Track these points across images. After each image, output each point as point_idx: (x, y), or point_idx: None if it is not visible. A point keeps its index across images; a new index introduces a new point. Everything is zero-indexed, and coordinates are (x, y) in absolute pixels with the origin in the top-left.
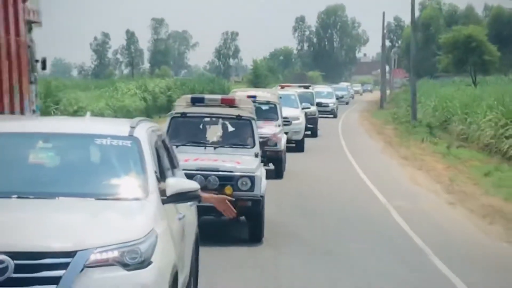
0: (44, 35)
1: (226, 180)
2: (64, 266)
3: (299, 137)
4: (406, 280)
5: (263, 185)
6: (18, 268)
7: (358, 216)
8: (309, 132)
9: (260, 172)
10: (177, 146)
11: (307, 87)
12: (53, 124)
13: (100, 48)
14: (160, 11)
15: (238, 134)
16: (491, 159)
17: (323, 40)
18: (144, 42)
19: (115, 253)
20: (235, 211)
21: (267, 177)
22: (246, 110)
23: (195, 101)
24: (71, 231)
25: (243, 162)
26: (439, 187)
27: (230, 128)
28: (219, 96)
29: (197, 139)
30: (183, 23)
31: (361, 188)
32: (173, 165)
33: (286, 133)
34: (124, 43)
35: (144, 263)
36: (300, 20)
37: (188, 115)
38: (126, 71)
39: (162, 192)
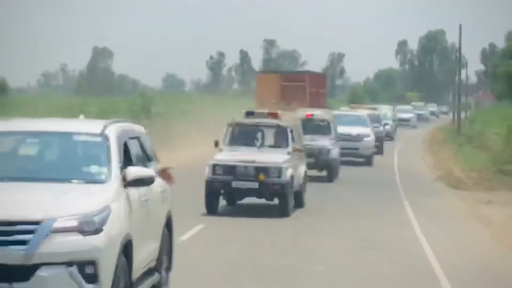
0: (158, 53)
1: (260, 170)
2: (33, 231)
3: (369, 152)
4: None
5: (289, 174)
6: None
7: None
8: (376, 149)
9: (288, 165)
10: (231, 146)
11: (374, 109)
12: (41, 124)
13: (215, 66)
14: (272, 31)
15: (276, 138)
16: None
17: (424, 63)
18: (256, 61)
19: (74, 223)
20: (173, 179)
21: (321, 181)
22: (285, 120)
23: (248, 114)
24: (41, 205)
25: (275, 157)
26: None
27: (271, 134)
28: (266, 111)
29: (247, 141)
30: (292, 42)
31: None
32: (148, 158)
33: (357, 148)
34: (237, 62)
35: (97, 231)
36: (403, 43)
37: (241, 124)
38: (237, 87)
39: (124, 178)
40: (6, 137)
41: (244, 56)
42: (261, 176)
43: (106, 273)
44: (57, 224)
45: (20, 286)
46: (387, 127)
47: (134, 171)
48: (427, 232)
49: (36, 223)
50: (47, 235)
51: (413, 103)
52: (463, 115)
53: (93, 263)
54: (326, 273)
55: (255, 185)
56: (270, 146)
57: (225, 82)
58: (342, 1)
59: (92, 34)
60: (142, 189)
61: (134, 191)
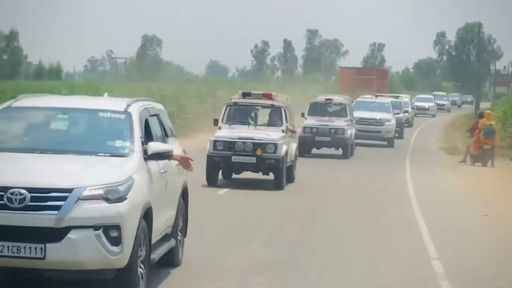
0: (205, 40)
1: (257, 146)
2: (64, 198)
3: (390, 135)
4: None
5: (284, 150)
6: (33, 199)
7: None
8: (396, 134)
9: (283, 141)
10: (229, 124)
11: (396, 97)
12: (71, 101)
13: (260, 54)
14: (315, 20)
15: (271, 117)
16: None
17: (461, 53)
18: (299, 50)
19: (101, 191)
20: (192, 167)
21: (337, 158)
22: (279, 101)
23: (245, 95)
24: (71, 175)
25: (271, 134)
26: None
27: (266, 113)
28: (261, 92)
29: (243, 120)
30: (335, 32)
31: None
32: (167, 134)
33: (379, 132)
34: (281, 51)
35: (121, 199)
36: (441, 35)
37: (238, 104)
38: (280, 75)
39: (145, 152)
40: (40, 112)
41: (287, 45)
42: (258, 151)
43: (128, 236)
44: (86, 193)
45: (52, 246)
46: (406, 114)
47: (154, 146)
48: (413, 171)
49: (68, 191)
50: (77, 202)
51: (434, 93)
52: (488, 104)
53: (117, 227)
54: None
55: (253, 159)
56: (266, 125)
57: (268, 70)
58: None
59: (140, 22)
60: (161, 162)
61: (154, 164)
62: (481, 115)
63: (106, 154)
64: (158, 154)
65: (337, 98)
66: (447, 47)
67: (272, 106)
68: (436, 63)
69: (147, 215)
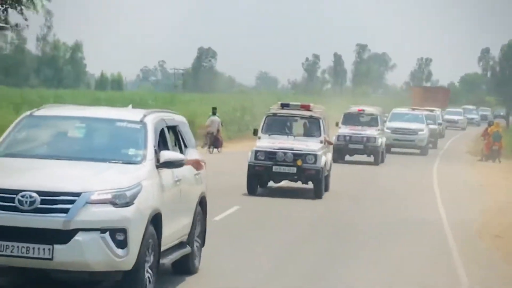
0: (256, 52)
1: (298, 156)
2: (73, 202)
3: (423, 144)
4: None
5: (323, 161)
6: (43, 201)
7: None
8: (430, 145)
9: (322, 152)
10: (269, 134)
11: (431, 110)
12: (90, 111)
13: (310, 67)
14: (364, 35)
15: (310, 128)
16: None
17: (505, 69)
18: (349, 64)
19: (108, 196)
20: (203, 165)
21: (367, 164)
22: (317, 112)
23: (284, 106)
24: (80, 180)
25: (310, 145)
26: None
27: (305, 124)
28: (299, 103)
29: (282, 130)
30: (383, 46)
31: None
32: (185, 145)
33: (413, 140)
34: (331, 64)
35: (128, 204)
36: (485, 51)
37: (277, 114)
38: (329, 88)
39: (158, 160)
40: (59, 121)
41: (337, 59)
42: (299, 162)
43: (135, 240)
44: (94, 197)
45: (59, 247)
46: (439, 126)
47: (166, 155)
48: (439, 168)
49: (76, 194)
50: (84, 205)
51: (463, 106)
52: None
53: (123, 230)
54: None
55: (293, 169)
56: (304, 135)
57: (318, 83)
58: (429, 10)
59: (193, 33)
60: (175, 171)
61: (167, 172)
62: (490, 124)
63: (118, 161)
64: (169, 162)
65: (369, 109)
66: (491, 62)
67: (310, 117)
68: (481, 78)
69: (156, 221)
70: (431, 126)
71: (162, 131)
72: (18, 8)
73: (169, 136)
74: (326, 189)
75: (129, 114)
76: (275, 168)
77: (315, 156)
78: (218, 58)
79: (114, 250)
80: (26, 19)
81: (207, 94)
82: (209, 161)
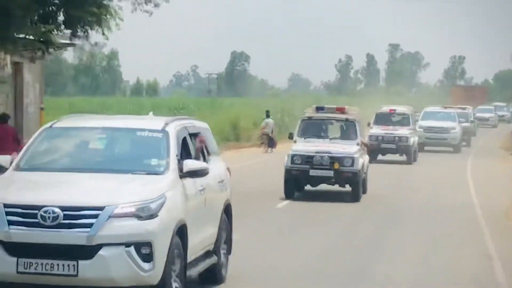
0: (288, 54)
1: (335, 159)
2: (96, 216)
3: (456, 142)
4: None
5: (360, 163)
6: (65, 217)
7: None
8: (464, 143)
9: (359, 155)
10: (304, 138)
11: (463, 108)
12: (110, 121)
13: (343, 68)
14: (396, 35)
15: (346, 131)
16: None
17: None
18: (381, 63)
19: (132, 209)
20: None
21: (400, 163)
22: (352, 115)
23: (319, 109)
24: (103, 193)
25: (347, 148)
26: None
27: (339, 127)
28: (334, 106)
29: (318, 133)
30: (415, 45)
31: None
32: (208, 152)
33: (445, 139)
34: (364, 65)
35: (153, 216)
36: None
37: (313, 118)
38: (362, 88)
39: (181, 170)
40: (80, 132)
41: (370, 59)
42: (336, 165)
43: (160, 253)
44: (118, 210)
45: (84, 263)
46: (472, 124)
47: (190, 164)
48: (472, 163)
49: (99, 208)
50: (108, 219)
51: (494, 103)
52: None
53: (148, 244)
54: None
55: (330, 173)
56: (340, 138)
57: (351, 83)
58: (461, 8)
59: (225, 38)
60: (199, 180)
61: (190, 181)
62: None
63: (141, 172)
64: (193, 172)
65: (400, 108)
66: None
67: (346, 120)
68: None
69: (181, 232)
70: (464, 124)
71: (184, 139)
72: (100, 29)
73: (192, 144)
74: (364, 192)
75: (150, 123)
76: (312, 172)
77: (352, 159)
78: (250, 61)
79: (140, 264)
80: (107, 39)
81: (242, 98)
82: (266, 160)
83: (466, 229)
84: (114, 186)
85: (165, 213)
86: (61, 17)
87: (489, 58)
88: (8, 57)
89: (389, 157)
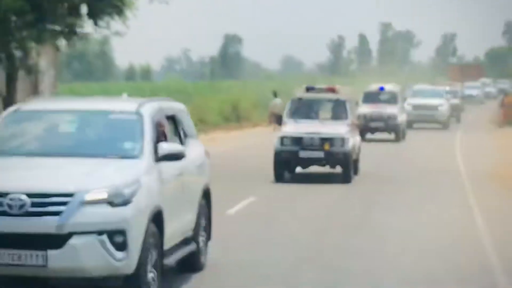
0: (280, 35)
1: (325, 140)
2: (66, 203)
3: (443, 118)
4: None
5: (351, 144)
6: (33, 204)
7: None
8: (454, 119)
9: (350, 135)
10: (295, 119)
11: (453, 85)
12: (81, 103)
13: (336, 49)
14: (387, 14)
15: (336, 111)
16: None
17: None
18: (374, 43)
19: (105, 195)
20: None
21: (389, 141)
22: (343, 95)
23: (309, 89)
24: (74, 178)
25: (338, 128)
26: None
27: (330, 107)
28: (324, 86)
29: (308, 114)
30: (407, 23)
31: None
32: (185, 134)
33: (433, 115)
34: (356, 45)
35: (126, 202)
36: (509, 24)
37: (303, 99)
38: (355, 68)
39: (156, 153)
40: (49, 115)
41: (362, 39)
42: (326, 146)
43: (135, 241)
44: (89, 196)
45: (54, 253)
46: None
47: (165, 147)
48: (461, 136)
49: (69, 195)
50: (79, 206)
51: (482, 80)
52: None
53: (122, 232)
54: None
55: (321, 154)
56: (330, 119)
57: (344, 64)
58: None
59: (214, 20)
60: (176, 164)
61: (167, 165)
62: (506, 95)
63: (114, 157)
64: (169, 155)
65: (388, 87)
66: None
67: (336, 100)
68: (506, 51)
69: (157, 219)
70: (453, 101)
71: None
72: (121, 18)
73: (168, 127)
74: (356, 173)
75: (124, 105)
76: (302, 153)
77: (343, 139)
78: (243, 44)
79: (113, 254)
80: (127, 28)
81: (237, 81)
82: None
83: (451, 188)
84: (85, 171)
85: (139, 199)
86: (84, 10)
87: (480, 35)
88: (34, 48)
89: (378, 135)
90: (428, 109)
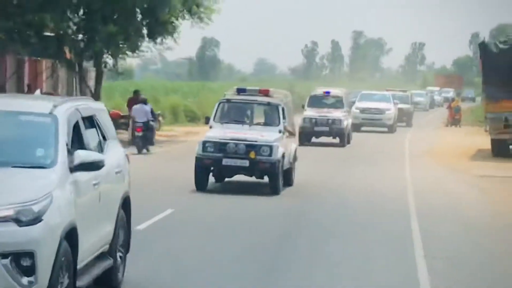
0: (255, 39)
1: (251, 148)
2: None
3: (390, 122)
4: None
5: (280, 153)
6: None
7: None
8: (404, 124)
9: (279, 143)
10: (222, 123)
11: (404, 91)
12: None
13: (309, 53)
14: (360, 21)
15: (268, 116)
16: None
17: None
18: (346, 49)
19: (11, 212)
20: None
21: (335, 146)
22: (277, 98)
23: (240, 91)
24: None
25: (266, 135)
26: None
27: (262, 111)
28: (257, 88)
29: (238, 119)
30: (378, 31)
31: None
32: (104, 137)
33: (380, 119)
34: (329, 51)
35: (36, 220)
36: (475, 35)
37: (232, 101)
38: (328, 73)
39: (71, 162)
40: None
41: (335, 45)
42: (252, 154)
43: (45, 264)
44: None
45: None
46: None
47: (82, 155)
48: (411, 134)
49: None
50: None
51: (428, 88)
52: None
53: (30, 254)
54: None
55: (246, 163)
56: (262, 124)
57: (317, 69)
58: None
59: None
60: (93, 173)
61: (83, 175)
62: (452, 100)
63: (23, 166)
64: (87, 165)
65: (334, 91)
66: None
67: (268, 104)
68: (472, 60)
69: (70, 237)
70: (405, 106)
71: (76, 125)
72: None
73: (85, 130)
74: (290, 184)
75: (36, 104)
76: (225, 161)
77: (270, 147)
78: (220, 47)
79: (18, 280)
80: (177, 44)
81: (212, 82)
82: None
83: (393, 163)
84: None
85: (51, 216)
86: (144, 31)
87: (448, 45)
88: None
89: (323, 139)
90: (375, 113)
